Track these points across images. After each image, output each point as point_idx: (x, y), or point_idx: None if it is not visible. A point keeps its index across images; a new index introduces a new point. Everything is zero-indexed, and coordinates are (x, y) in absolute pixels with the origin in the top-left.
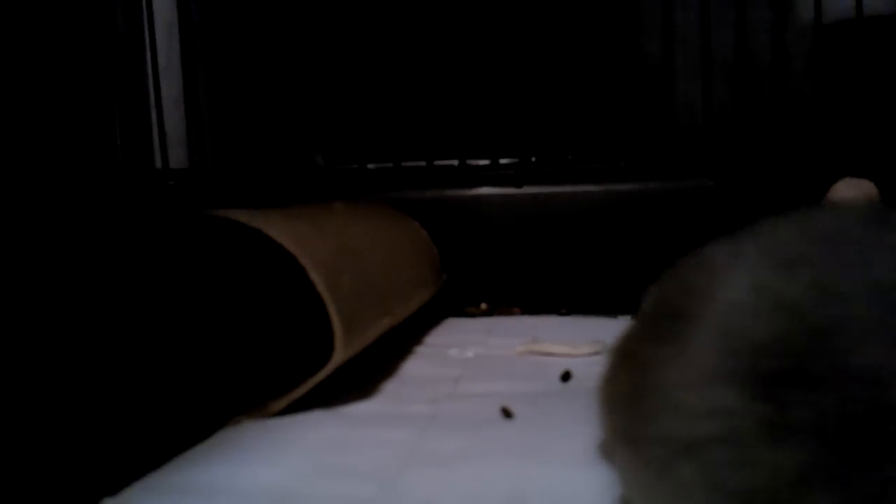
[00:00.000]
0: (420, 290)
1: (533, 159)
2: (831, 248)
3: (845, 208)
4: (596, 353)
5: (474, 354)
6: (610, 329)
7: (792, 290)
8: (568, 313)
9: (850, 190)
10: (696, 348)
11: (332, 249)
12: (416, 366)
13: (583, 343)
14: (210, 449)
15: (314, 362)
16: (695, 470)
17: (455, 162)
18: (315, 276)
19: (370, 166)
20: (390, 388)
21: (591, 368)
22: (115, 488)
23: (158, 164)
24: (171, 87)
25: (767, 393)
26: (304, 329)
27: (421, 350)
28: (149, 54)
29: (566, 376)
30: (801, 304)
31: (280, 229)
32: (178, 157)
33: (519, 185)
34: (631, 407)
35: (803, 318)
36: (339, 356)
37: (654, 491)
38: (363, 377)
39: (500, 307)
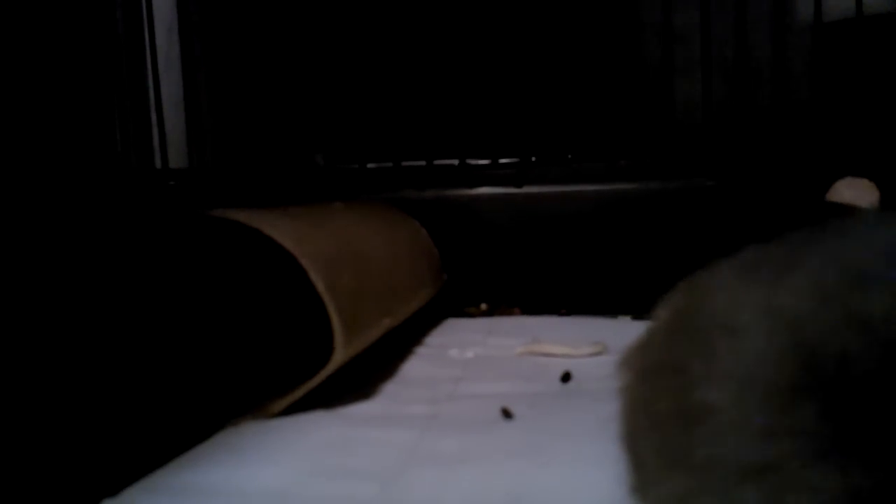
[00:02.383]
0: (420, 290)
1: (533, 159)
2: None
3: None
4: (596, 354)
5: (474, 355)
6: (610, 329)
7: (865, 305)
8: (568, 313)
9: (850, 190)
10: (760, 363)
11: (333, 249)
12: (416, 366)
13: (583, 344)
14: (210, 449)
15: (314, 363)
16: (759, 494)
17: (455, 161)
18: (315, 277)
19: (370, 166)
20: (390, 388)
21: (592, 369)
22: (115, 488)
23: (158, 163)
24: (171, 87)
25: (839, 410)
26: (303, 329)
27: (421, 351)
28: (149, 54)
29: (566, 377)
30: (876, 319)
31: (280, 229)
32: (177, 157)
33: (519, 185)
34: (681, 429)
35: (878, 334)
36: (339, 357)
37: None
38: (363, 378)
39: (499, 307)
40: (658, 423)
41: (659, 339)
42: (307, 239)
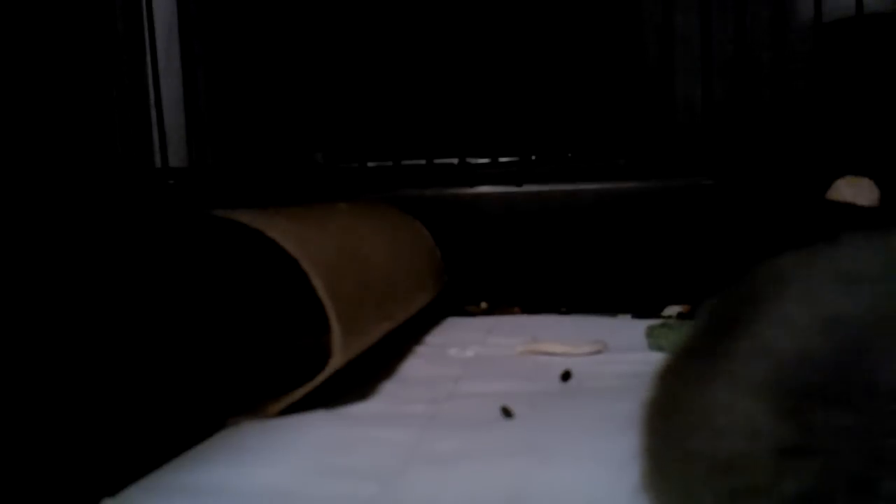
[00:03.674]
0: (421, 293)
1: (533, 157)
2: None
3: None
4: (596, 353)
5: (474, 354)
6: (610, 328)
7: (844, 308)
8: (568, 312)
9: (850, 189)
10: (736, 361)
11: (335, 253)
12: (415, 366)
13: (583, 342)
14: (210, 449)
15: (313, 366)
16: (713, 496)
17: (455, 160)
18: (317, 281)
19: (370, 164)
20: (390, 388)
21: (592, 368)
22: (115, 488)
23: (158, 163)
24: (171, 86)
25: (792, 409)
26: (303, 332)
27: (421, 350)
28: (149, 53)
29: (566, 376)
30: (849, 321)
31: (282, 231)
32: (177, 155)
33: (519, 184)
34: (666, 424)
35: (844, 335)
36: (337, 360)
37: None
38: (363, 377)
39: (499, 306)
40: (655, 420)
41: (685, 343)
42: (310, 242)
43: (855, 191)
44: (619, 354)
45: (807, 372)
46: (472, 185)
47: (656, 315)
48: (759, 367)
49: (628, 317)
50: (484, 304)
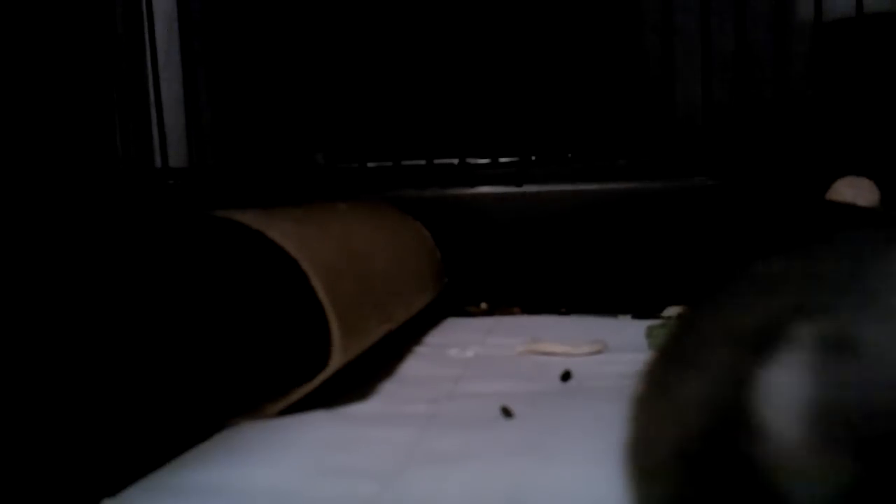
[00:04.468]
0: (421, 295)
1: (533, 158)
2: None
3: None
4: (596, 353)
5: (474, 354)
6: (610, 328)
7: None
8: (568, 312)
9: (850, 189)
10: (676, 373)
11: (335, 254)
12: (415, 366)
13: (583, 342)
14: (210, 449)
15: (312, 366)
16: None
17: (455, 160)
18: (316, 282)
19: (370, 165)
20: (390, 388)
21: (592, 368)
22: (115, 488)
23: (158, 163)
24: (171, 86)
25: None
26: (302, 333)
27: (421, 350)
28: (149, 53)
29: (566, 376)
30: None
31: (283, 232)
32: (177, 155)
33: (519, 184)
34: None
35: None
36: (336, 362)
37: None
38: (363, 377)
39: (499, 306)
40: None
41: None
42: (310, 243)
43: (855, 191)
44: (619, 355)
45: (706, 384)
46: (472, 186)
47: (657, 315)
48: (686, 378)
49: (628, 317)
50: (484, 305)
